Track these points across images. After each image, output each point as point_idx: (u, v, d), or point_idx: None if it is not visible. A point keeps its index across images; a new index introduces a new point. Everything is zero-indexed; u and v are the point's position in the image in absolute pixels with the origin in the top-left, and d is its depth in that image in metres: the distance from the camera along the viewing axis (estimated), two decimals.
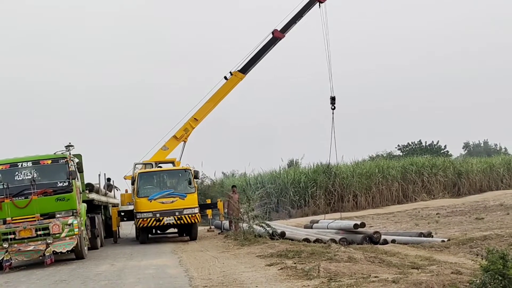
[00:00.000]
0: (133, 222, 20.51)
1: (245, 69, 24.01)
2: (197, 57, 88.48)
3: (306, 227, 20.75)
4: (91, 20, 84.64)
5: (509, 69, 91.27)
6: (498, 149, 69.29)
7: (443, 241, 15.28)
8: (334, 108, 21.86)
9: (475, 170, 38.19)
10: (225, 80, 24.02)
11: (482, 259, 6.65)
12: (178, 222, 18.80)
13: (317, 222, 21.24)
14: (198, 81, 67.75)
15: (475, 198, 32.15)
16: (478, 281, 6.45)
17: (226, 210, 20.09)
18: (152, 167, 21.86)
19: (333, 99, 21.96)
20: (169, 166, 22.64)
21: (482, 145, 74.08)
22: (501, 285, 6.13)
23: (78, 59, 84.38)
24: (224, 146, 65.41)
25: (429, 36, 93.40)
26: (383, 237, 16.24)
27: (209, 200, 24.00)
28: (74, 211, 14.83)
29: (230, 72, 24.01)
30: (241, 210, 18.91)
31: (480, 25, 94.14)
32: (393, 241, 15.91)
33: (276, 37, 24.01)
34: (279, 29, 24.05)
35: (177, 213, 18.64)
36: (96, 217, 18.62)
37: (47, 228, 14.35)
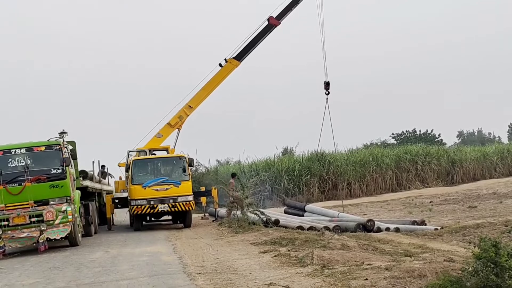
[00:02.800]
0: (127, 209, 20.51)
1: (240, 56, 23.89)
2: (193, 44, 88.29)
3: (286, 210, 20.87)
4: (86, 8, 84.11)
5: (504, 59, 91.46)
6: (492, 138, 69.66)
7: (436, 229, 15.35)
8: (328, 93, 21.67)
9: (468, 158, 38.32)
10: (220, 67, 23.92)
11: (475, 247, 6.67)
12: (172, 209, 18.80)
13: (294, 207, 21.17)
14: (193, 69, 67.62)
15: (469, 187, 32.28)
16: (470, 269, 6.48)
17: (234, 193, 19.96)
18: (146, 155, 21.82)
19: (327, 84, 21.75)
20: (163, 154, 22.61)
21: (476, 134, 74.40)
22: (493, 272, 6.16)
23: (72, 45, 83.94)
24: (218, 134, 65.48)
25: (424, 25, 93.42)
26: (376, 224, 16.28)
27: (204, 187, 24.00)
28: (68, 198, 14.81)
29: (225, 59, 23.90)
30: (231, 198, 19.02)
31: (475, 14, 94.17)
32: (387, 229, 15.96)
33: (272, 24, 23.86)
34: (274, 16, 23.90)
35: (171, 201, 18.64)
36: (90, 204, 18.59)
37: (41, 215, 14.32)
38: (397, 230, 15.81)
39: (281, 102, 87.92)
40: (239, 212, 17.27)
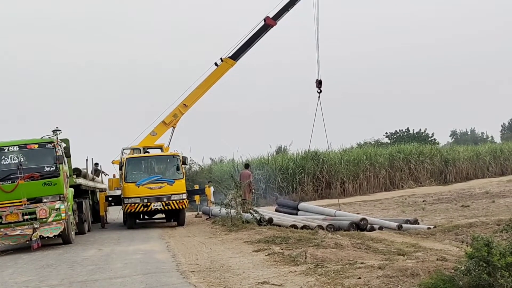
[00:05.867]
0: (120, 207, 20.48)
1: (236, 56, 23.86)
2: (189, 40, 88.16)
3: (277, 209, 20.90)
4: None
5: (499, 59, 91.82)
6: (484, 137, 69.98)
7: (429, 228, 15.39)
8: (321, 91, 21.66)
9: (461, 158, 38.45)
10: (216, 67, 23.89)
11: (467, 246, 6.70)
12: (166, 207, 18.80)
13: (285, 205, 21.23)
14: (189, 66, 67.59)
15: (461, 186, 32.37)
16: (463, 268, 6.50)
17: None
18: (140, 153, 21.79)
19: (319, 83, 21.72)
20: (157, 152, 22.59)
21: (469, 133, 74.74)
22: (485, 271, 6.19)
23: (67, 40, 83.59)
24: (212, 132, 65.46)
25: (418, 23, 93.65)
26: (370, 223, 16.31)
27: (197, 186, 24.00)
28: (61, 195, 14.78)
29: (221, 59, 23.87)
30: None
31: (470, 12, 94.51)
32: (381, 228, 16.00)
33: (268, 24, 23.83)
34: (271, 16, 23.87)
35: (164, 199, 18.62)
36: (83, 202, 18.56)
37: (34, 213, 14.29)
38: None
39: (275, 100, 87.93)
40: (233, 211, 17.26)
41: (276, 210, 20.86)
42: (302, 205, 20.91)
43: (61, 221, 14.56)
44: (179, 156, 19.71)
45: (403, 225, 16.16)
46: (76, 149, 18.42)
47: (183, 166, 19.66)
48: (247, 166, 24.37)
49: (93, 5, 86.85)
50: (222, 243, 13.34)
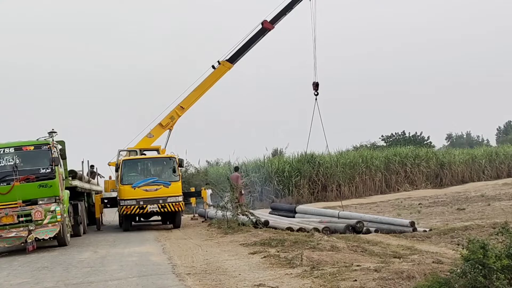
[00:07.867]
0: (116, 209, 20.43)
1: (233, 59, 23.82)
2: (188, 41, 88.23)
3: (271, 213, 20.91)
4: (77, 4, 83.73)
5: (494, 61, 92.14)
6: (480, 140, 70.20)
7: (424, 231, 15.44)
8: (317, 94, 21.69)
9: (457, 161, 38.59)
10: (213, 69, 23.88)
11: (463, 248, 6.72)
12: (162, 210, 18.74)
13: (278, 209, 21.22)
14: (188, 67, 67.56)
15: (457, 189, 32.47)
16: (458, 270, 6.52)
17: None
18: (137, 154, 21.73)
19: (316, 85, 21.73)
20: (153, 154, 22.55)
21: (464, 136, 74.91)
22: (481, 274, 6.20)
23: (63, 42, 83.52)
24: (209, 135, 65.46)
25: (415, 24, 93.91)
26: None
27: (193, 188, 23.97)
28: (57, 197, 14.74)
29: (218, 61, 23.86)
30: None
31: (468, 13, 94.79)
32: (376, 231, 16.03)
33: (266, 28, 23.83)
34: (268, 20, 23.87)
35: (160, 201, 18.59)
36: (79, 204, 18.51)
37: (29, 215, 14.24)
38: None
39: (272, 102, 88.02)
40: (228, 213, 17.25)
41: (270, 214, 20.87)
42: (300, 207, 20.91)
43: (57, 223, 14.52)
44: (175, 158, 19.68)
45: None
46: (71, 151, 18.42)
47: (179, 168, 19.63)
48: (236, 169, 24.37)
49: (90, 8, 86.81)
50: (218, 245, 13.33)
